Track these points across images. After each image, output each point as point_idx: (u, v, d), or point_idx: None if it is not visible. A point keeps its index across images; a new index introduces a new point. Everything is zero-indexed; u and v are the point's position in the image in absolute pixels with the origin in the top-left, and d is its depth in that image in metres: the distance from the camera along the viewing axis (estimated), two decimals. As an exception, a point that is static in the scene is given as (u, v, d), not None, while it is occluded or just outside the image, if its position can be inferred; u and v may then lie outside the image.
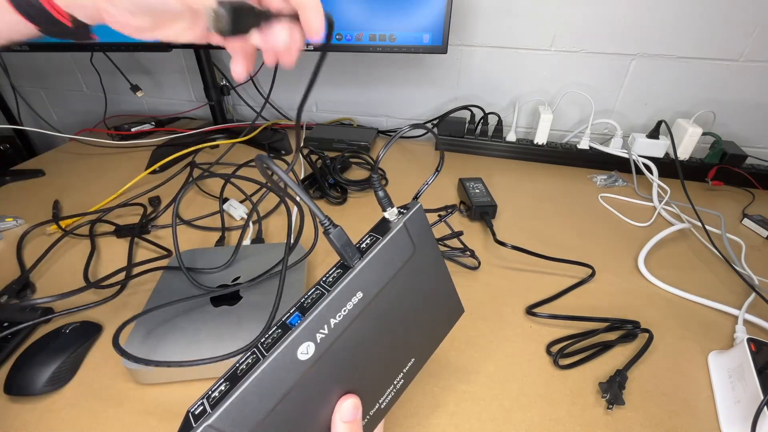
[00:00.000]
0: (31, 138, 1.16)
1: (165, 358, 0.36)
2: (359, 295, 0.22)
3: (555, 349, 0.41)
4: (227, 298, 0.43)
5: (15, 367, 0.37)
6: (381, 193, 0.25)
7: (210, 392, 0.19)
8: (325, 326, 0.21)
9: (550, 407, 0.36)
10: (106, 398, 0.36)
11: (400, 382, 0.28)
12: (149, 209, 0.63)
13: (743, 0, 0.69)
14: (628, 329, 0.43)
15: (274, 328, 0.21)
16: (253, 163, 0.75)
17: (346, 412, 0.23)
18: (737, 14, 0.70)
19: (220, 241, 0.55)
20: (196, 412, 0.19)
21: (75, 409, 0.35)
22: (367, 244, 0.24)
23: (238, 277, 0.45)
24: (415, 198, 0.30)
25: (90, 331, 0.41)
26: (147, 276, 0.49)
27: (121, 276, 0.48)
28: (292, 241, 0.46)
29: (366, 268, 0.22)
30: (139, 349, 0.36)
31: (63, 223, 0.58)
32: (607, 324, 0.43)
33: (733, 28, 0.71)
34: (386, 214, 0.25)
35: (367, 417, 0.26)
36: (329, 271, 0.23)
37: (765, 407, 0.32)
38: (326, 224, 0.22)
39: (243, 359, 0.20)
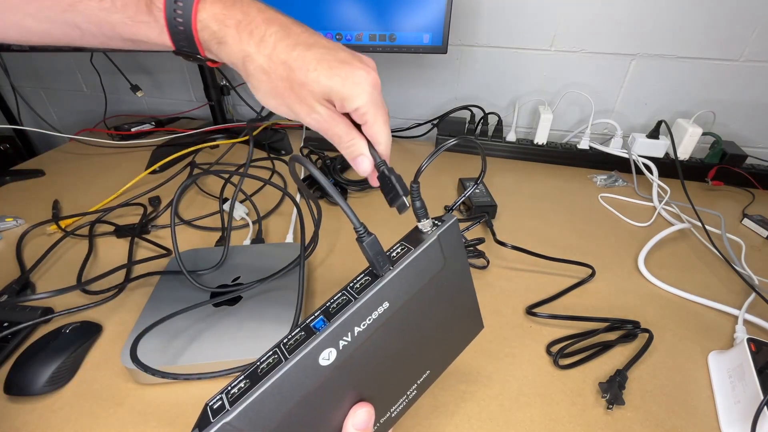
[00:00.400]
0: (31, 138, 1.16)
1: (166, 358, 0.36)
2: (385, 305, 0.22)
3: (555, 349, 0.41)
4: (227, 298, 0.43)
5: (15, 367, 0.37)
6: (418, 203, 0.25)
7: (229, 387, 0.19)
8: (349, 334, 0.21)
9: (550, 407, 0.36)
10: (106, 398, 0.36)
11: (413, 393, 0.28)
12: (149, 209, 0.63)
13: (743, 0, 0.69)
14: (628, 329, 0.43)
15: (297, 330, 0.21)
16: (256, 163, 0.76)
17: (360, 420, 0.23)
18: (737, 14, 0.70)
19: (220, 241, 0.55)
20: (215, 407, 0.19)
21: (75, 409, 0.35)
22: (397, 253, 0.23)
23: (239, 277, 0.45)
24: (450, 210, 0.30)
25: (90, 331, 0.41)
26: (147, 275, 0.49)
27: (120, 277, 0.48)
28: (307, 240, 0.46)
29: (395, 279, 0.22)
30: (138, 349, 0.36)
31: (63, 223, 0.58)
32: (607, 324, 0.43)
33: (733, 28, 0.71)
34: (420, 225, 0.24)
35: (378, 424, 0.25)
36: (357, 277, 0.23)
37: (765, 407, 0.32)
38: (361, 231, 0.22)
39: (265, 358, 0.20)
